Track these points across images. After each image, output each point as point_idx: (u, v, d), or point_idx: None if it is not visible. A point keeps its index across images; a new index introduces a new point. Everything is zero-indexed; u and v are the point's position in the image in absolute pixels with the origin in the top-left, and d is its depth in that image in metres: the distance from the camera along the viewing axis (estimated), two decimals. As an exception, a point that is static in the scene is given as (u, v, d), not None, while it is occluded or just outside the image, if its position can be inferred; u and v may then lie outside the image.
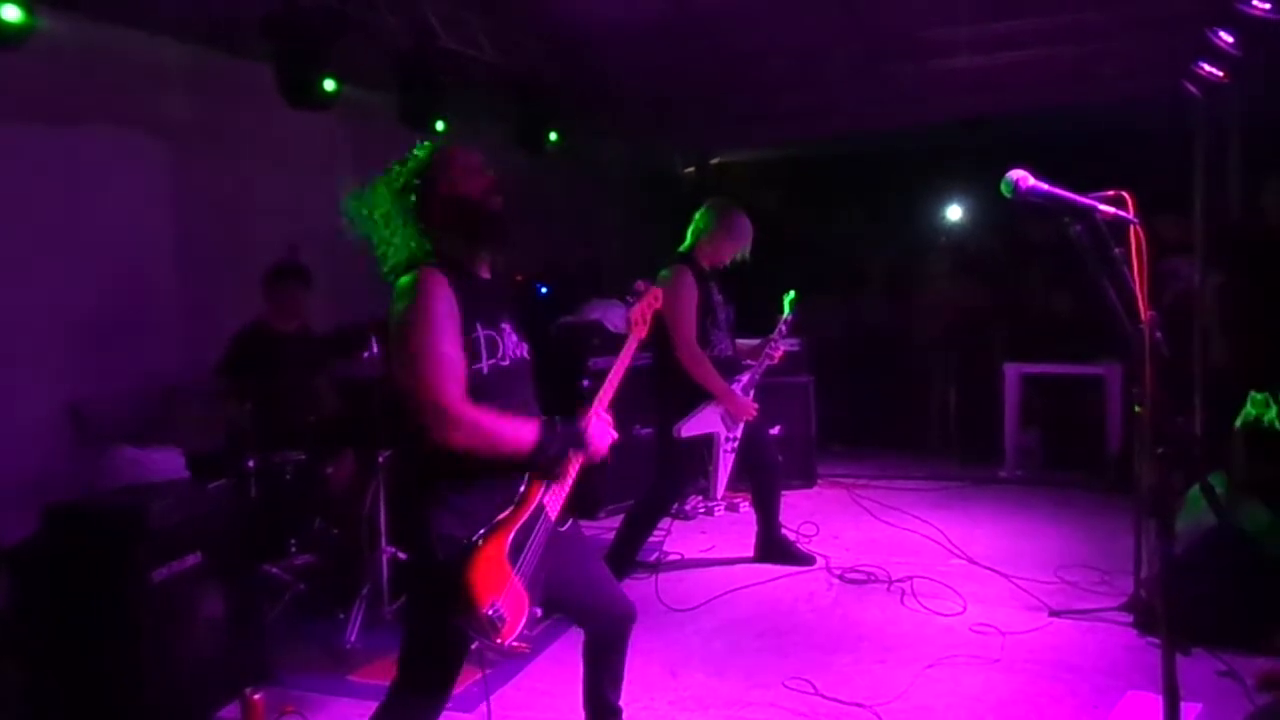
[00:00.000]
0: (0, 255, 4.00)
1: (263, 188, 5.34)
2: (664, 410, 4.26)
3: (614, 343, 6.00)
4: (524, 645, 2.21)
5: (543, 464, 2.26)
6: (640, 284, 2.71)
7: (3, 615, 3.17)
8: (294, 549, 4.22)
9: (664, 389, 4.32)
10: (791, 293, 4.53)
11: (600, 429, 2.39)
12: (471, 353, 2.26)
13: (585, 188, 8.32)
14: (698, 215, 4.43)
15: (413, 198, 2.33)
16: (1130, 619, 3.88)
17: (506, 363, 2.34)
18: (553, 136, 6.13)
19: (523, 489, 2.29)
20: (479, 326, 2.28)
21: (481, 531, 2.18)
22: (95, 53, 4.40)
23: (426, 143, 2.43)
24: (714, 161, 9.32)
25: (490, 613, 2.13)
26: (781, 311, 4.50)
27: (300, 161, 5.55)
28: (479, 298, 2.31)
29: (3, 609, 3.18)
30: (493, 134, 6.31)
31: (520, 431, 2.23)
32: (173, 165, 4.87)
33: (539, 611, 2.26)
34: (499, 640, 2.15)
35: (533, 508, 2.30)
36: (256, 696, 3.15)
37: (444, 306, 2.20)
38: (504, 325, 2.37)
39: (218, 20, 4.71)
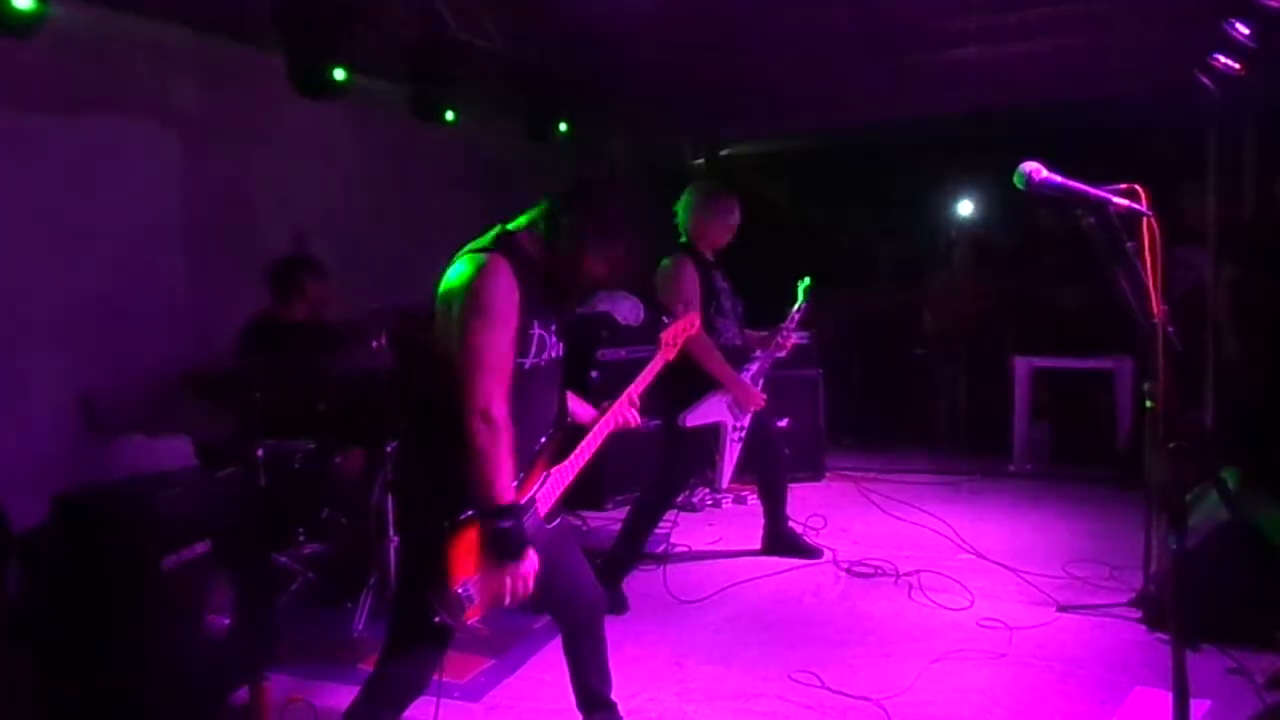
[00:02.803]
0: (10, 244, 4.02)
1: (272, 177, 5.35)
2: (669, 400, 4.25)
3: (623, 335, 6.01)
4: (485, 628, 2.28)
5: (485, 526, 2.21)
6: (680, 310, 2.85)
7: (13, 603, 3.19)
8: (302, 538, 4.24)
9: (669, 379, 4.30)
10: (806, 279, 4.47)
11: (531, 564, 2.27)
12: (521, 347, 2.29)
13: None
14: (681, 206, 4.39)
15: (573, 212, 2.38)
16: (1139, 615, 3.86)
17: (544, 362, 2.38)
18: (562, 127, 6.12)
19: (521, 477, 2.32)
20: (536, 324, 2.33)
21: (470, 512, 2.21)
22: (105, 42, 4.41)
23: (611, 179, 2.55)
24: (723, 153, 9.29)
25: (461, 591, 2.18)
26: (794, 301, 4.46)
27: (310, 151, 5.56)
28: (540, 295, 2.35)
29: (13, 597, 3.20)
30: (502, 125, 6.31)
31: (507, 482, 2.21)
32: (182, 154, 4.87)
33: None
34: (463, 619, 2.21)
35: (524, 500, 2.32)
36: (265, 684, 3.17)
37: (508, 300, 2.23)
38: (553, 325, 2.41)
39: (228, 9, 4.70)
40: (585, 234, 2.39)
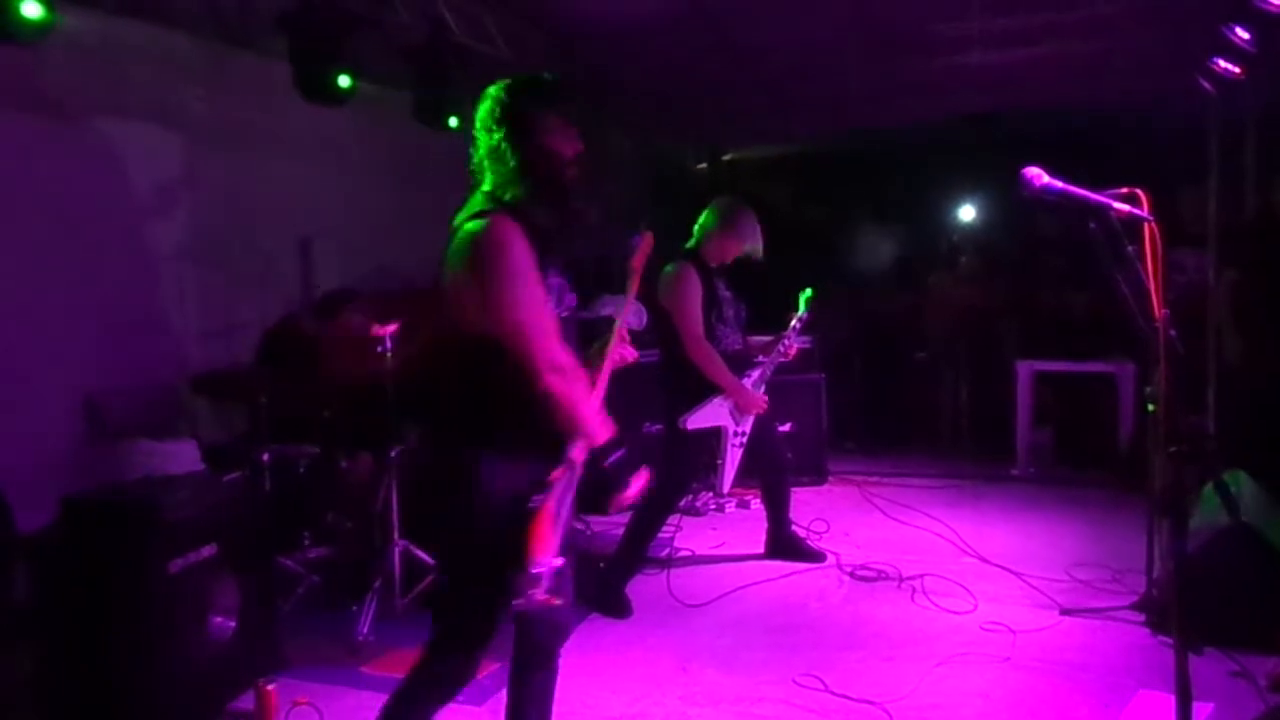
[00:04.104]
0: (17, 248, 4.04)
1: (277, 183, 5.37)
2: (670, 405, 4.26)
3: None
4: (555, 599, 2.15)
5: (588, 471, 2.21)
6: (637, 236, 2.65)
7: (20, 605, 3.21)
8: (308, 541, 4.26)
9: (670, 384, 4.33)
10: (808, 290, 4.49)
11: (639, 477, 2.34)
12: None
13: (596, 183, 8.31)
14: (704, 213, 4.42)
15: (504, 133, 2.25)
16: (1142, 618, 3.86)
17: (566, 313, 2.33)
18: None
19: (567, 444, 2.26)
20: (547, 275, 2.25)
21: (539, 496, 2.16)
22: (113, 48, 4.43)
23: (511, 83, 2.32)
24: (726, 157, 9.32)
25: (536, 571, 2.11)
26: (796, 308, 4.48)
27: (315, 157, 5.58)
28: (544, 247, 2.25)
29: (20, 599, 3.22)
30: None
31: (596, 419, 2.22)
32: (188, 160, 4.90)
33: (561, 562, 2.19)
34: (538, 597, 2.12)
35: (572, 464, 2.27)
36: (270, 687, 3.17)
37: (526, 256, 2.15)
38: (552, 276, 2.31)
39: (234, 16, 4.74)
40: (529, 125, 2.25)
